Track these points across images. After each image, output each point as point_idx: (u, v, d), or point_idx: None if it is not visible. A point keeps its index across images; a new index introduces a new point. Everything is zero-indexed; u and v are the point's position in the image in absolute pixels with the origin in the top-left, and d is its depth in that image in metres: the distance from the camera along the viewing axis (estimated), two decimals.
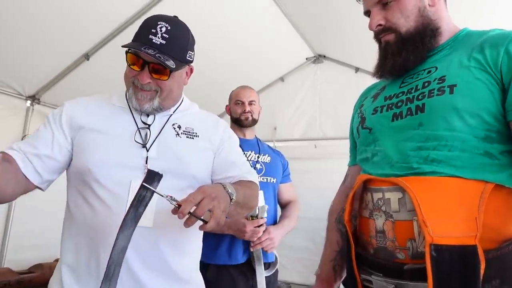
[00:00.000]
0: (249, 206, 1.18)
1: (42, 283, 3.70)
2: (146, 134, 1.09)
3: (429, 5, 0.94)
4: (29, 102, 3.76)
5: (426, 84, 0.88)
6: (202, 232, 1.21)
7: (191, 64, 1.16)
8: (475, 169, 0.79)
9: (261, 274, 1.79)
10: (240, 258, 1.81)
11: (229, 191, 0.98)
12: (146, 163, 1.05)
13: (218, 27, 3.48)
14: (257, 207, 1.77)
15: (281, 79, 4.81)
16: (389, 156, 0.90)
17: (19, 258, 3.78)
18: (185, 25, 1.13)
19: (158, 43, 1.02)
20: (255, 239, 1.76)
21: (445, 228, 0.75)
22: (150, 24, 1.06)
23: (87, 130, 1.07)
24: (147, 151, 1.07)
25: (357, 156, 1.09)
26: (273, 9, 3.62)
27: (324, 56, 4.58)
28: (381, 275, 0.86)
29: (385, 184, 0.88)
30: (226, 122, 1.34)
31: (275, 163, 2.09)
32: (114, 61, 3.45)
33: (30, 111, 3.72)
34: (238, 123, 2.02)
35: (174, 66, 1.03)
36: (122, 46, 1.05)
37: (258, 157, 2.01)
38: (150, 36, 1.03)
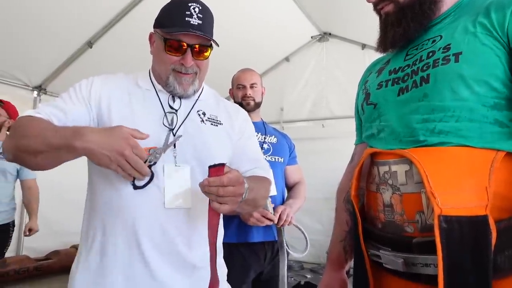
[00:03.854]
0: (256, 205, 1.17)
1: (59, 269, 3.81)
2: (173, 119, 1.10)
3: None
4: (35, 92, 3.80)
5: (431, 54, 0.85)
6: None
7: None
8: (485, 138, 0.77)
9: (284, 260, 1.82)
10: (251, 237, 1.83)
11: (245, 193, 0.98)
12: (175, 147, 1.06)
13: (222, 9, 3.42)
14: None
15: (286, 59, 4.75)
16: (395, 131, 0.88)
17: (36, 245, 3.89)
18: None
19: (196, 23, 1.03)
20: (259, 224, 1.77)
21: (454, 199, 0.73)
22: (181, 7, 1.05)
23: (115, 111, 1.05)
24: (174, 135, 1.07)
25: (363, 133, 1.07)
26: None
27: (330, 34, 4.50)
28: (389, 249, 0.85)
29: (391, 156, 0.86)
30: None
31: (282, 143, 2.10)
32: (117, 47, 3.45)
33: (37, 101, 3.76)
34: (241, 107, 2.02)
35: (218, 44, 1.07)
36: (166, 35, 1.04)
37: (264, 138, 2.03)
38: (187, 19, 1.03)
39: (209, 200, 0.92)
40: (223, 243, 1.76)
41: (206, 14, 1.08)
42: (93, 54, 3.47)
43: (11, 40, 3.11)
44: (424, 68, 0.84)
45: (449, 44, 0.82)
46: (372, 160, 0.95)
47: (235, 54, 4.01)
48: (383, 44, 0.98)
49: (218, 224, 0.95)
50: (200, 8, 1.06)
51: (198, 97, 1.18)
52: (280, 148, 2.06)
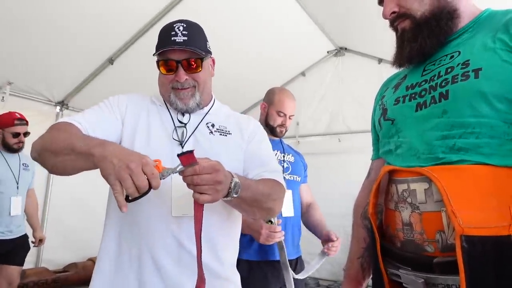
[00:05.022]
0: (260, 206, 1.10)
1: (76, 282, 3.85)
2: (183, 132, 1.16)
3: None
4: (58, 107, 3.92)
5: (449, 70, 0.84)
6: (239, 229, 1.23)
7: (211, 55, 1.23)
8: (506, 156, 0.75)
9: (290, 280, 1.79)
10: (272, 255, 1.82)
11: (232, 186, 0.94)
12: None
13: (239, 25, 3.48)
14: None
15: (302, 74, 4.78)
16: (413, 147, 0.87)
17: (55, 257, 3.95)
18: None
19: (182, 40, 1.09)
20: (270, 243, 1.74)
21: (476, 218, 0.71)
22: (167, 29, 1.13)
23: (134, 125, 1.14)
24: (182, 147, 1.12)
25: (380, 149, 1.06)
26: (292, 3, 3.58)
27: (346, 49, 4.51)
28: (409, 269, 0.83)
29: (410, 174, 0.85)
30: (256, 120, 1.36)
31: (298, 162, 2.12)
32: (137, 64, 3.54)
33: (59, 116, 3.88)
34: (271, 131, 2.00)
35: (204, 53, 1.13)
36: (157, 57, 1.13)
37: (283, 156, 2.04)
38: (173, 38, 1.09)
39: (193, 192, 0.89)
40: (245, 260, 1.76)
41: (192, 30, 1.13)
42: (114, 70, 3.57)
43: (35, 57, 3.23)
44: (443, 84, 0.83)
45: (468, 60, 0.82)
46: (389, 178, 0.94)
47: (252, 68, 4.06)
48: (399, 59, 0.98)
49: (202, 216, 0.92)
50: (185, 25, 1.12)
51: (208, 111, 1.23)
52: (297, 167, 2.08)
